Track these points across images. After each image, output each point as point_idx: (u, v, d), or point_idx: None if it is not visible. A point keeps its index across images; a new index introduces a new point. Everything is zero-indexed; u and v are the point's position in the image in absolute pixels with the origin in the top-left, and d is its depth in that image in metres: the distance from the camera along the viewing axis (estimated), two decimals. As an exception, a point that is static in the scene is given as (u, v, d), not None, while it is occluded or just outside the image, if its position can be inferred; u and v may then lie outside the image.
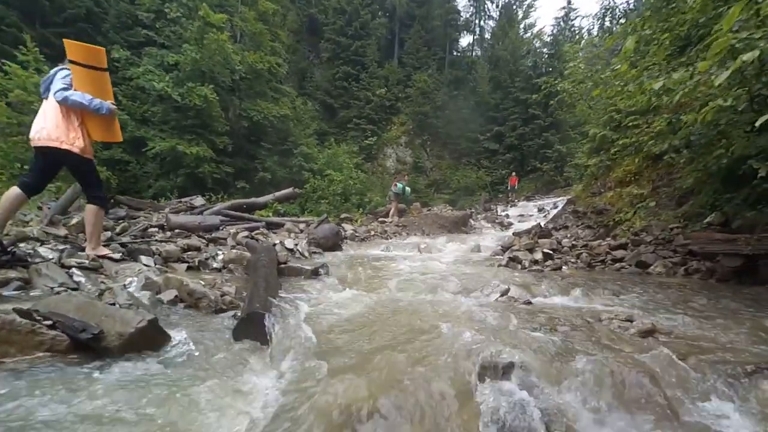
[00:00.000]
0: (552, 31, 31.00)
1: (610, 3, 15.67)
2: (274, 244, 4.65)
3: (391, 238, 8.61)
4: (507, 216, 14.93)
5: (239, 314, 2.03)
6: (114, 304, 1.83)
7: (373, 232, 8.82)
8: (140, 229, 4.85)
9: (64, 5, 14.95)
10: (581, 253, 5.24)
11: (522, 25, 35.03)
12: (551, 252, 5.24)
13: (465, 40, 34.86)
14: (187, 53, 14.54)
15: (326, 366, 1.55)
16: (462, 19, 33.07)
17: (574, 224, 8.17)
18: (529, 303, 2.80)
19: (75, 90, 2.86)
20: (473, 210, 16.88)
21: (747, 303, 2.81)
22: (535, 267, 4.62)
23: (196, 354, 1.59)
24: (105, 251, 3.19)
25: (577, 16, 31.58)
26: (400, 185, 11.85)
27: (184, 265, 3.56)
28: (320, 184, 17.09)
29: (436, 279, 3.56)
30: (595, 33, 24.01)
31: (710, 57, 2.24)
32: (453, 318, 2.16)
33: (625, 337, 1.94)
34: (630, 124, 5.54)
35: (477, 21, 34.46)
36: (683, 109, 3.86)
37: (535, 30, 35.15)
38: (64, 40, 2.91)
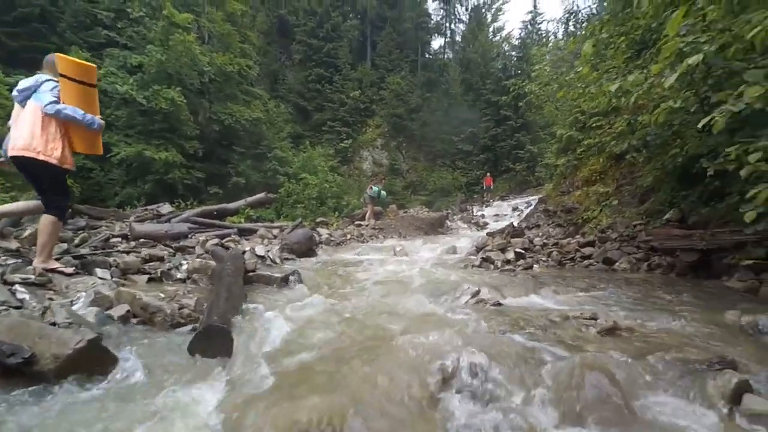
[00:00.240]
0: (520, 34, 31.95)
1: (573, 8, 16.29)
2: (244, 252, 4.50)
3: (367, 242, 8.55)
4: (483, 216, 15.16)
5: (198, 328, 1.92)
6: (54, 324, 1.69)
7: (349, 236, 8.74)
8: (101, 239, 4.60)
9: (14, 3, 14.09)
10: (552, 251, 5.35)
11: (491, 29, 35.95)
12: (523, 251, 5.33)
13: (436, 42, 35.40)
14: (152, 54, 14.02)
15: (285, 381, 1.48)
16: (433, 22, 33.55)
17: (546, 223, 8.38)
18: (499, 304, 2.81)
19: (63, 102, 2.85)
20: (450, 211, 17.08)
21: (703, 297, 2.94)
22: (507, 267, 4.68)
23: (144, 375, 1.48)
24: (55, 265, 2.99)
25: (543, 21, 32.50)
26: (376, 188, 11.83)
27: (145, 277, 3.39)
28: (295, 188, 16.83)
29: (408, 283, 3.54)
30: (561, 36, 24.86)
31: (661, 60, 2.34)
32: (420, 324, 2.13)
33: (588, 336, 1.97)
34: (594, 124, 5.73)
35: (447, 24, 35.07)
36: (641, 111, 4.03)
37: (504, 33, 36.22)
38: (57, 54, 2.95)
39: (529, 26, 31.64)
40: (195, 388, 1.52)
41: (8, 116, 3.17)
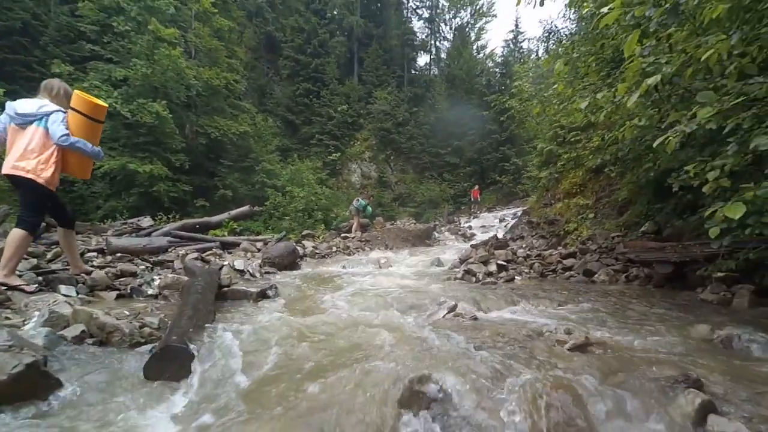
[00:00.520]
0: (502, 52, 32.83)
1: (551, 27, 16.91)
2: (222, 266, 4.40)
3: (353, 254, 8.48)
4: (470, 227, 15.24)
5: (155, 348, 1.84)
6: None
7: (335, 248, 8.64)
8: (75, 254, 4.44)
9: (-4, 16, 13.95)
10: (534, 263, 5.38)
11: (475, 47, 36.90)
12: (505, 263, 5.34)
13: (422, 59, 36.08)
14: (137, 68, 13.95)
15: (245, 407, 1.42)
16: (418, 39, 34.25)
17: (529, 234, 8.45)
18: (475, 319, 2.78)
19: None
20: (437, 222, 17.15)
21: (676, 310, 2.96)
22: (489, 279, 4.67)
23: (91, 400, 1.40)
24: (17, 281, 2.87)
25: (524, 39, 33.52)
26: (362, 201, 11.84)
27: (114, 293, 3.28)
28: (282, 201, 16.72)
29: (388, 297, 3.49)
30: (541, 54, 25.70)
31: (627, 79, 2.40)
32: (393, 340, 2.09)
33: (560, 353, 1.94)
34: (572, 139, 5.86)
35: (433, 42, 35.79)
36: (614, 126, 4.14)
37: (487, 51, 37.26)
38: (75, 91, 3.11)
39: (511, 44, 32.57)
40: (147, 413, 1.44)
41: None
